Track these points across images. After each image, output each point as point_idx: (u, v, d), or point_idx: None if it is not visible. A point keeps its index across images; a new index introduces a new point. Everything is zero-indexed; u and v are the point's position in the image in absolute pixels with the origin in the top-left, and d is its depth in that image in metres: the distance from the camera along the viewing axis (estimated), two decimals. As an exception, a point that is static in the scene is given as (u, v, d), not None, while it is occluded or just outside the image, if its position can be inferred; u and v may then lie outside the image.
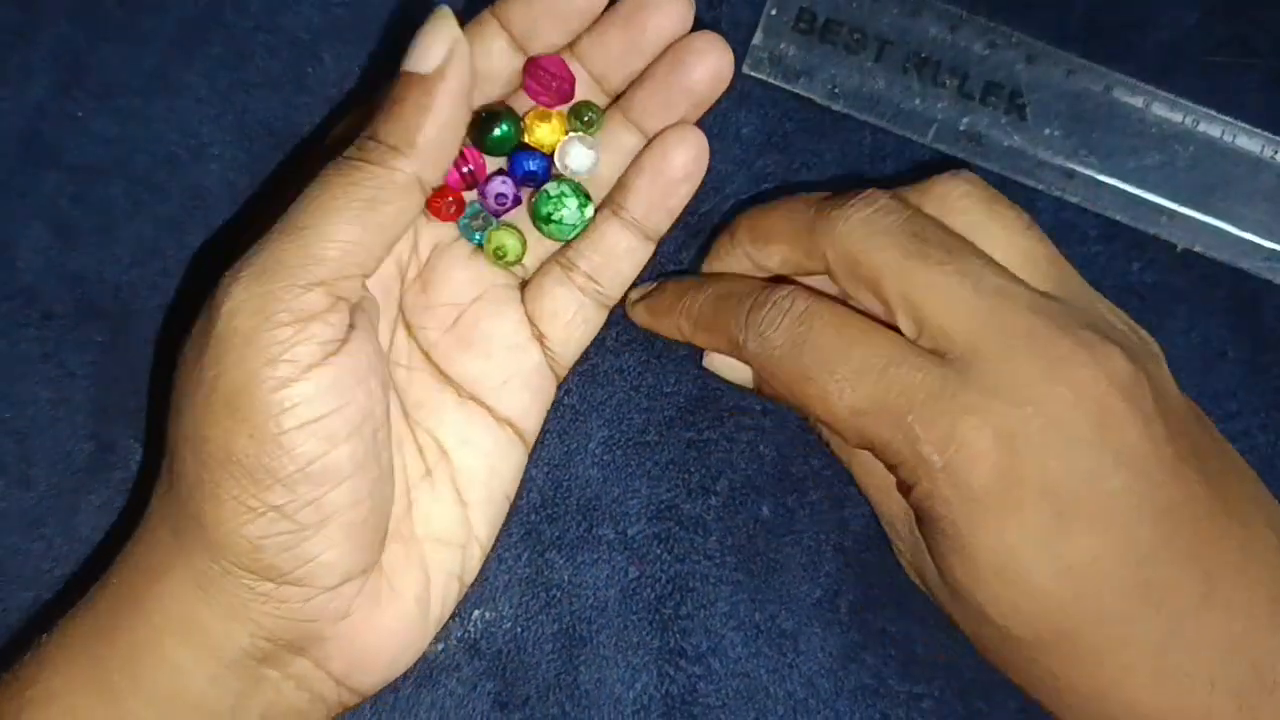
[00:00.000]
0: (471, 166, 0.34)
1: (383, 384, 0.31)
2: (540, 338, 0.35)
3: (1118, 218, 0.38)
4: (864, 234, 0.31)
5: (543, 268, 0.35)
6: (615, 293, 0.35)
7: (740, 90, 0.38)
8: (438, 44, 0.30)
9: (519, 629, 0.36)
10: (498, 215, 0.35)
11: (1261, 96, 0.38)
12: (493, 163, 0.35)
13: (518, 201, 0.35)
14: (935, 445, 0.30)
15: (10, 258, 0.37)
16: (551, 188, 0.34)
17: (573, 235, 0.35)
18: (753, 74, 0.38)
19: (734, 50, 0.38)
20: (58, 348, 0.37)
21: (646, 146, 0.34)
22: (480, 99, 0.34)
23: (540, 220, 0.34)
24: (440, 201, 0.34)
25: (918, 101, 0.38)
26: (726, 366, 0.35)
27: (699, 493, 0.37)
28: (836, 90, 0.38)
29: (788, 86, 0.38)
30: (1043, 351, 0.30)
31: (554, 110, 0.34)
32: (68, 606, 0.36)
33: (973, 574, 0.30)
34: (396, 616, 0.32)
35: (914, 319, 0.31)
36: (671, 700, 0.36)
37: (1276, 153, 0.37)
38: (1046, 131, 0.37)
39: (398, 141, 0.30)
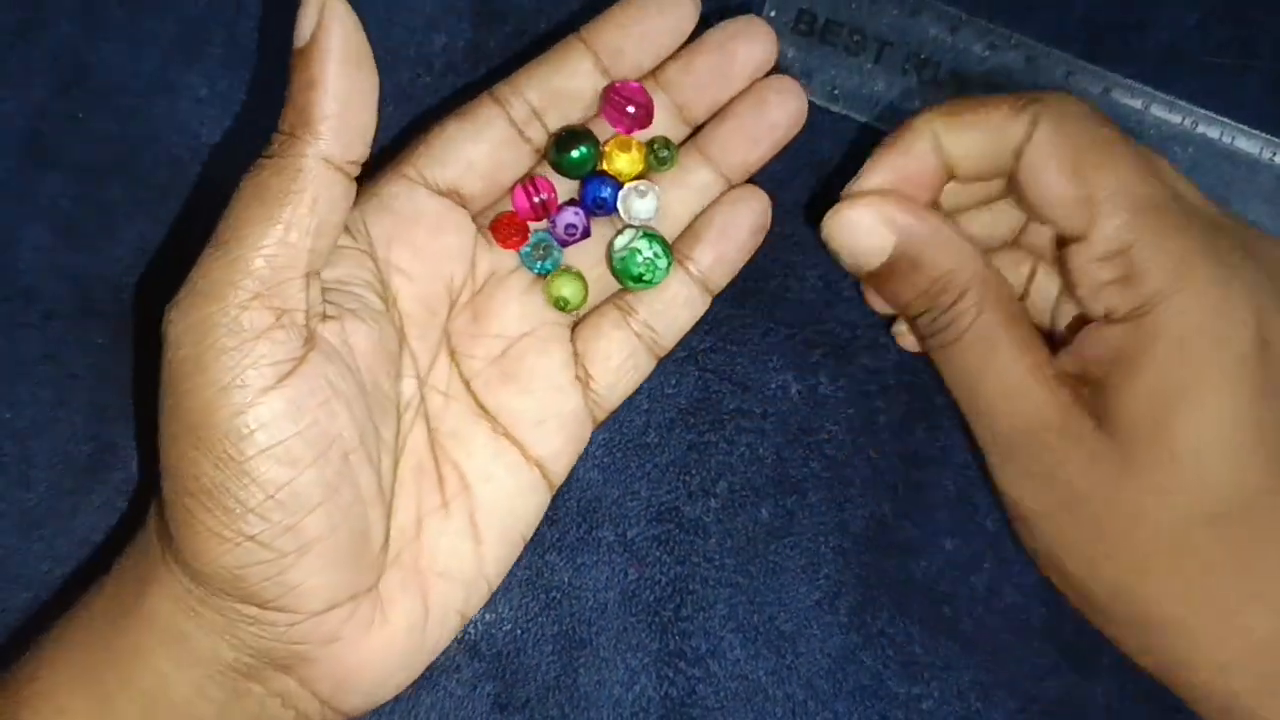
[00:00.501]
0: (544, 196, 0.34)
1: (354, 407, 0.30)
2: (586, 379, 0.34)
3: (1117, 219, 0.38)
4: (1073, 111, 0.31)
5: (599, 307, 0.35)
6: (669, 343, 0.35)
7: (740, 92, 0.38)
8: (307, 13, 0.29)
9: (519, 630, 0.36)
10: (565, 245, 0.34)
11: (1260, 98, 0.38)
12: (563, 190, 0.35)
13: (587, 234, 0.34)
14: (1221, 263, 0.29)
15: (11, 258, 0.37)
16: (644, 246, 0.34)
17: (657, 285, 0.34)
18: (753, 75, 0.38)
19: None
20: (58, 348, 0.37)
21: (716, 203, 0.35)
22: (560, 120, 0.34)
23: (629, 279, 0.34)
24: (505, 228, 0.33)
25: (917, 103, 0.38)
26: (866, 231, 0.31)
27: (699, 495, 0.37)
28: (836, 91, 0.38)
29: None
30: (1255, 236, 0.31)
31: (634, 140, 0.34)
32: (66, 607, 0.36)
33: (1170, 415, 0.29)
34: (386, 644, 0.31)
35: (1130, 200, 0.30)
36: (671, 702, 0.36)
37: (1275, 154, 0.37)
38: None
39: (295, 126, 0.29)
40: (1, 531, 0.36)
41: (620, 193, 0.34)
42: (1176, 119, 0.37)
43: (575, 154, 0.33)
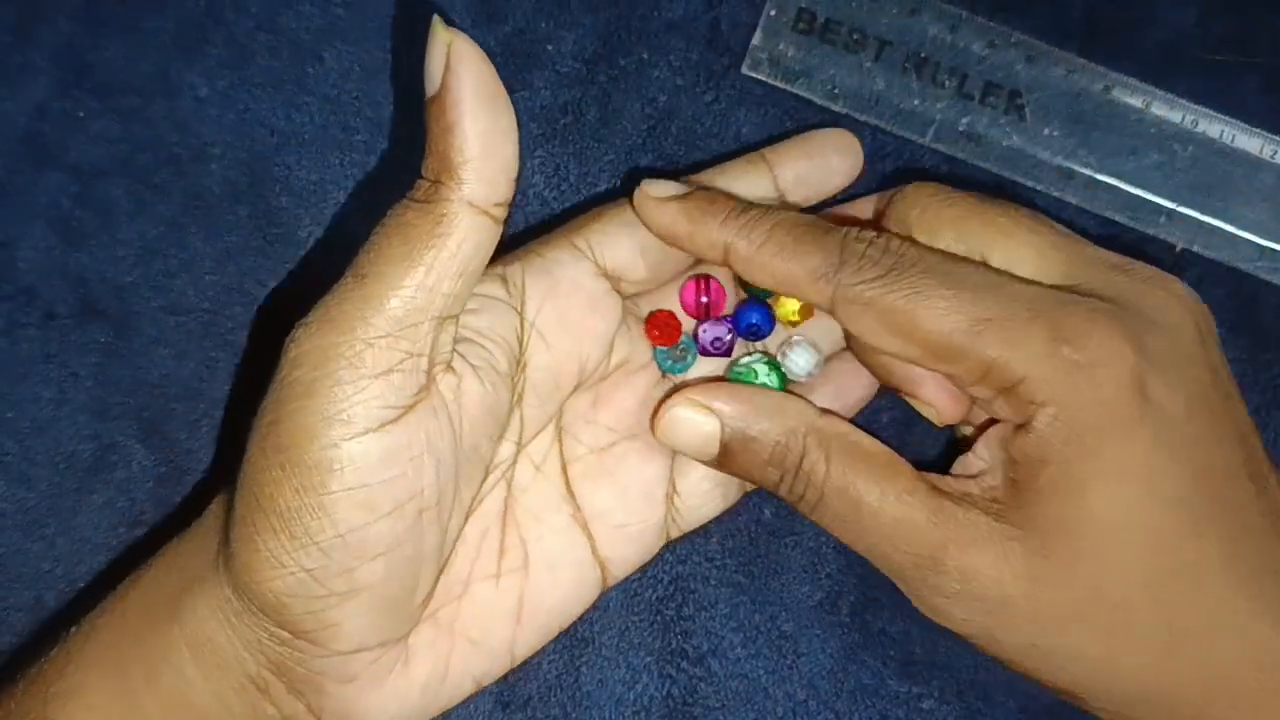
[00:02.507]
0: (708, 298, 0.34)
1: (443, 465, 0.29)
2: (672, 494, 0.34)
3: (1117, 218, 0.38)
4: (914, 208, 0.32)
5: None
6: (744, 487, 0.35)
7: (740, 91, 0.38)
8: (434, 59, 0.28)
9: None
10: (706, 355, 0.34)
11: (1260, 96, 0.38)
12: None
13: (729, 353, 0.34)
14: (1075, 346, 0.28)
15: (12, 258, 0.37)
16: (761, 370, 0.33)
17: None
18: (752, 74, 0.38)
19: (733, 51, 0.38)
20: (59, 348, 0.37)
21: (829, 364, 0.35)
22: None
23: None
24: (661, 325, 0.34)
25: (917, 101, 0.38)
26: (689, 423, 0.32)
27: (699, 493, 0.37)
28: (836, 90, 0.38)
29: (787, 87, 0.38)
30: (1140, 275, 0.30)
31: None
32: (69, 607, 0.36)
33: (1112, 495, 0.29)
34: (399, 694, 0.31)
35: (1004, 263, 0.31)
36: (672, 701, 0.36)
37: (1275, 152, 0.37)
38: (1045, 131, 0.38)
39: (438, 172, 0.28)
40: (3, 530, 0.37)
41: (784, 340, 0.34)
42: (1177, 117, 0.37)
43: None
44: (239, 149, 0.38)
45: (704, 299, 0.34)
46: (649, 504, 0.34)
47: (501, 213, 0.29)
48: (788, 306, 0.34)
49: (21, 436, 0.37)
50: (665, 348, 0.34)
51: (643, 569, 0.34)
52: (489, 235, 0.29)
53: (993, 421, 0.32)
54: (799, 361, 0.34)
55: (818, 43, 0.38)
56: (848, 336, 0.33)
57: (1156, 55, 0.38)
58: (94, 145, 0.38)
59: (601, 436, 0.34)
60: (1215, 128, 0.37)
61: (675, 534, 0.34)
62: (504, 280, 0.32)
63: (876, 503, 0.30)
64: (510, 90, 0.38)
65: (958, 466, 0.32)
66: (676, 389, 0.33)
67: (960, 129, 0.38)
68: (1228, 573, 0.29)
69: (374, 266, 0.28)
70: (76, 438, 0.37)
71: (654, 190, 0.32)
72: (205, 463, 0.37)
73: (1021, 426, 0.30)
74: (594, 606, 0.34)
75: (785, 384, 0.34)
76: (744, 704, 0.36)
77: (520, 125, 0.34)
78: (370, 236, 0.29)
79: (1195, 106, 0.37)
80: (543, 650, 0.33)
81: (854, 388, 0.35)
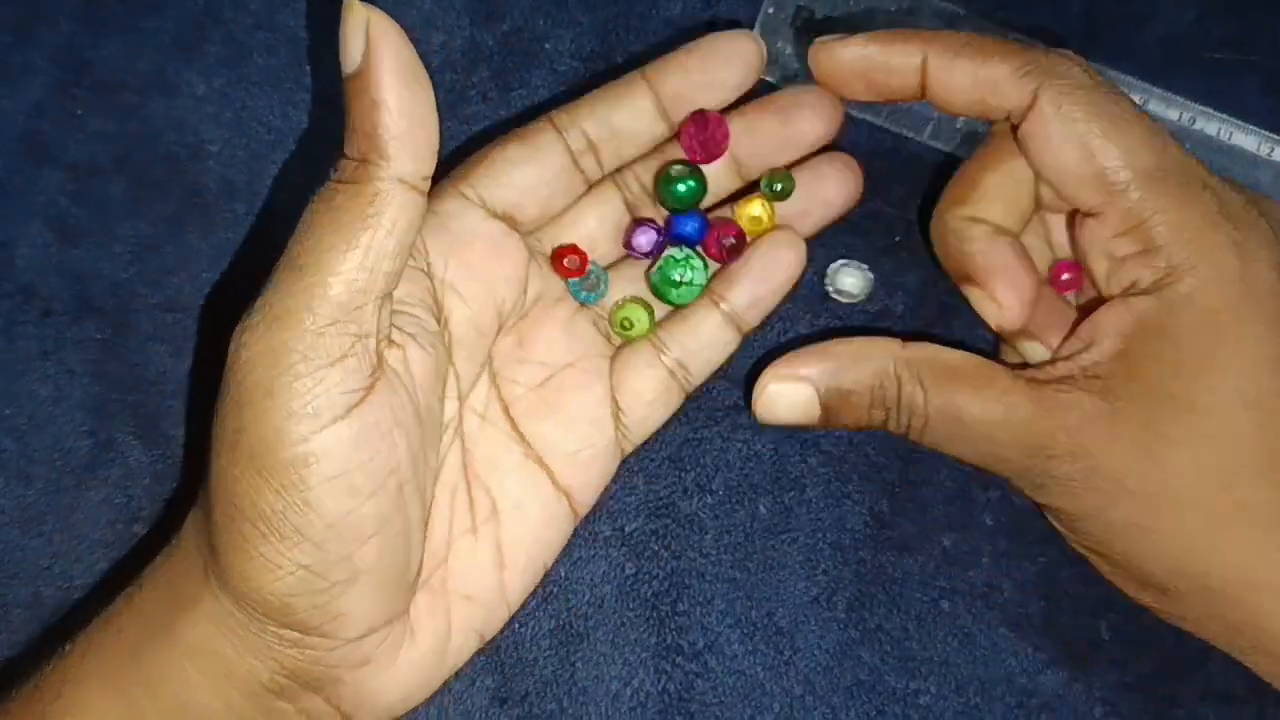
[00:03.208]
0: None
1: (410, 436, 0.30)
2: (618, 413, 0.34)
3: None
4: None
5: (637, 344, 0.35)
6: (699, 380, 0.35)
7: (737, 88, 0.38)
8: (352, 36, 0.28)
9: (517, 624, 0.36)
10: (631, 255, 0.35)
11: (1259, 95, 0.38)
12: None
13: (656, 254, 0.34)
14: (1234, 227, 0.30)
15: (10, 255, 0.37)
16: (677, 252, 0.34)
17: (692, 299, 0.35)
18: (750, 72, 0.38)
19: (731, 48, 0.38)
20: (57, 345, 0.37)
21: (756, 245, 0.34)
22: (616, 160, 0.34)
23: (669, 284, 0.34)
24: (562, 256, 0.34)
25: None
26: (785, 397, 0.33)
27: (695, 490, 0.37)
28: (834, 88, 0.38)
29: (786, 85, 0.38)
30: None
31: (761, 197, 0.34)
32: (67, 603, 0.36)
33: (1199, 380, 0.30)
34: (411, 664, 0.32)
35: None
36: (668, 697, 0.36)
37: (1273, 150, 0.37)
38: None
39: (363, 150, 0.28)
40: (1, 527, 0.37)
41: (831, 266, 0.35)
42: (1174, 115, 0.37)
43: (683, 187, 0.34)
44: (236, 147, 0.38)
45: (727, 240, 0.34)
46: (597, 427, 0.34)
47: (426, 185, 0.29)
48: (748, 211, 0.34)
49: (19, 433, 0.37)
50: (576, 279, 0.34)
51: (607, 492, 0.35)
52: (419, 209, 0.29)
53: (1089, 311, 0.32)
54: (848, 283, 0.35)
55: (816, 40, 0.38)
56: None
57: (1155, 53, 0.38)
58: (92, 143, 0.38)
59: (535, 373, 0.34)
60: (1213, 126, 0.37)
61: (629, 449, 0.35)
62: None
63: (980, 411, 0.31)
64: (508, 88, 0.39)
65: (1056, 354, 0.33)
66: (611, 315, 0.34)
67: (958, 126, 0.38)
68: None
69: (311, 256, 0.28)
70: (74, 434, 0.37)
71: (830, 40, 0.33)
72: (203, 460, 0.37)
73: (1145, 293, 0.30)
74: (573, 537, 0.34)
75: (708, 267, 0.34)
76: (740, 700, 0.36)
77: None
78: (300, 223, 0.28)
79: (1193, 105, 0.37)
80: (534, 601, 0.33)
81: (827, 188, 0.35)
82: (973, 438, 0.32)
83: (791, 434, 0.37)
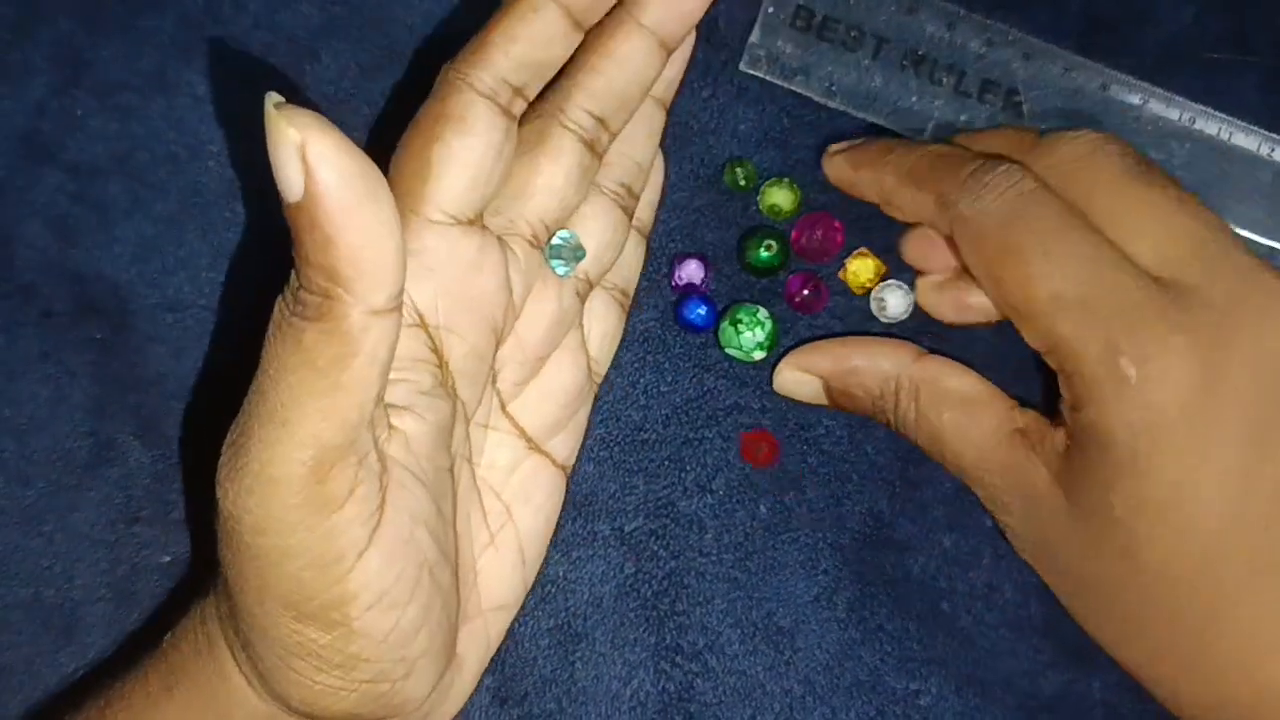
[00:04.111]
0: (810, 291, 0.37)
1: (429, 520, 0.28)
2: (590, 364, 0.34)
3: (1115, 215, 0.38)
4: (1083, 152, 0.32)
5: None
6: (631, 300, 0.36)
7: (737, 87, 0.38)
8: (285, 163, 0.23)
9: (516, 624, 0.36)
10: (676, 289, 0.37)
11: (1259, 94, 0.38)
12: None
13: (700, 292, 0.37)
14: (1133, 358, 0.28)
15: (9, 256, 0.37)
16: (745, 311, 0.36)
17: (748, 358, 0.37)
18: (750, 71, 0.38)
19: (731, 48, 0.38)
20: (57, 346, 0.37)
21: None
22: (536, 78, 0.30)
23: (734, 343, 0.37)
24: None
25: (915, 99, 0.38)
26: (796, 382, 0.36)
27: (695, 490, 0.37)
28: (834, 88, 0.38)
29: (785, 84, 0.38)
30: (1261, 285, 0.30)
31: (869, 251, 0.37)
32: (68, 604, 0.36)
33: (1137, 506, 0.29)
34: (462, 691, 0.32)
35: (1125, 236, 0.30)
36: (668, 697, 0.36)
37: (1274, 150, 0.37)
38: (1043, 128, 0.37)
39: (323, 288, 0.24)
40: (1, 528, 0.37)
41: (876, 287, 0.37)
42: (1174, 115, 0.37)
43: (764, 254, 0.37)
44: (237, 147, 0.38)
45: (806, 291, 0.37)
46: (582, 393, 0.34)
47: (399, 301, 0.25)
48: (854, 270, 0.37)
49: (19, 434, 0.37)
50: (556, 259, 0.32)
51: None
52: (395, 327, 0.25)
53: None
54: (892, 303, 0.36)
55: (815, 40, 0.38)
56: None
57: (1154, 53, 0.38)
58: (92, 143, 0.38)
59: (529, 367, 0.33)
60: (1213, 125, 0.37)
61: (595, 392, 0.35)
62: None
63: (958, 448, 0.33)
64: (508, 88, 0.39)
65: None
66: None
67: (958, 126, 0.38)
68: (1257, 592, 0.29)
69: (292, 410, 0.25)
70: (74, 435, 0.37)
71: (832, 148, 0.36)
72: (203, 461, 0.37)
73: (1070, 407, 0.30)
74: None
75: (774, 337, 0.36)
76: (741, 700, 0.36)
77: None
78: (268, 361, 0.25)
79: (1193, 104, 0.37)
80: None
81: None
82: (948, 462, 0.34)
83: (792, 435, 0.37)
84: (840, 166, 0.35)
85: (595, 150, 0.32)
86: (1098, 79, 0.37)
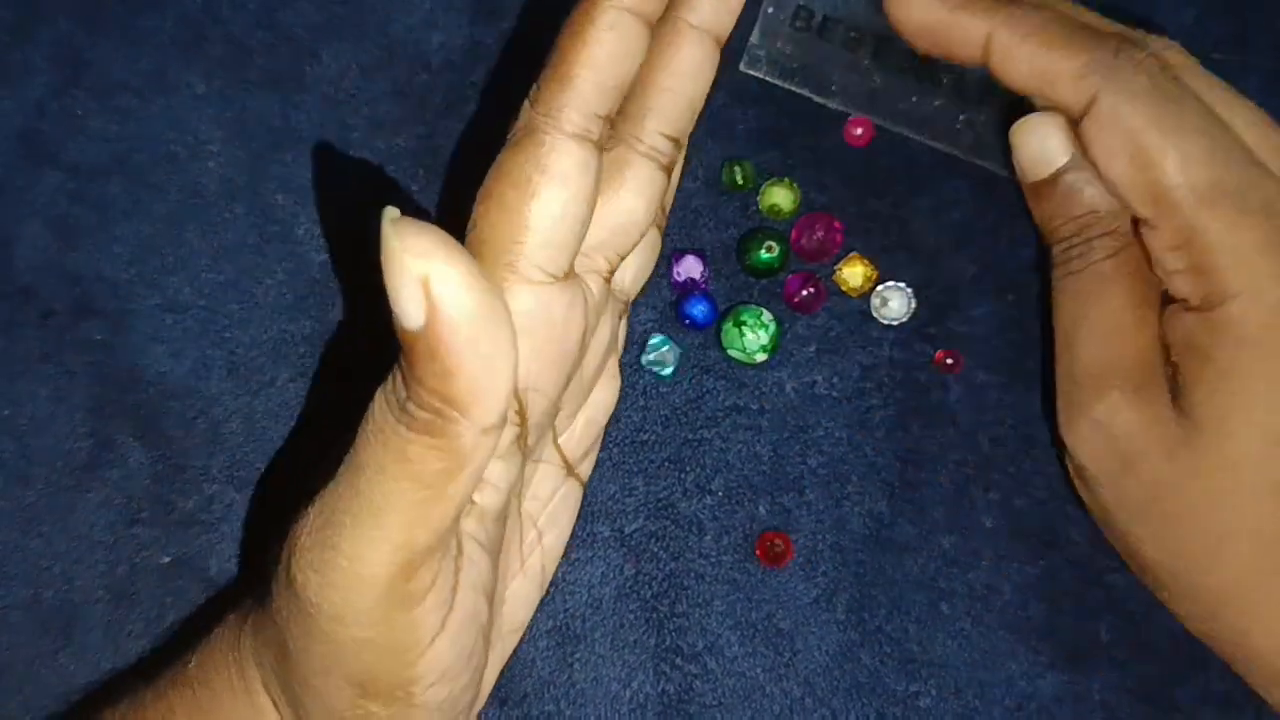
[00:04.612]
0: (811, 290, 0.37)
1: (489, 588, 0.28)
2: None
3: (1115, 216, 0.38)
4: (1190, 60, 0.31)
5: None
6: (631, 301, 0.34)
7: (737, 87, 0.38)
8: (405, 294, 0.22)
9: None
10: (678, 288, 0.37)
11: (1260, 96, 0.38)
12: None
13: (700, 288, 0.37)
14: (1272, 255, 0.29)
15: (9, 256, 0.37)
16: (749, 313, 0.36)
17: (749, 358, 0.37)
18: (750, 72, 0.38)
19: (730, 48, 0.38)
20: (57, 346, 0.37)
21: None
22: (620, 98, 0.28)
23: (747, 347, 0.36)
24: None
25: (914, 99, 0.37)
26: (1032, 146, 0.32)
27: (695, 491, 0.37)
28: (833, 88, 0.38)
29: (785, 84, 0.38)
30: None
31: (860, 257, 0.37)
32: (67, 605, 0.36)
33: (1231, 407, 0.29)
34: (477, 712, 0.31)
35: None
36: (668, 699, 0.36)
37: (1275, 151, 0.37)
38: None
39: (437, 408, 0.23)
40: (1, 528, 0.37)
41: (878, 287, 0.37)
42: (1175, 115, 0.37)
43: (764, 255, 0.36)
44: (236, 147, 0.38)
45: (805, 292, 0.36)
46: (608, 410, 0.33)
47: (506, 420, 0.24)
48: (845, 275, 0.37)
49: (19, 435, 0.37)
50: (649, 356, 0.35)
51: None
52: (499, 438, 0.24)
53: None
54: (893, 303, 0.36)
55: (815, 40, 0.38)
56: (1085, 135, 0.32)
57: (1155, 53, 0.38)
58: (91, 143, 0.38)
59: (582, 399, 0.32)
60: (1214, 126, 0.37)
61: None
62: None
63: (1118, 306, 0.31)
64: (508, 89, 0.39)
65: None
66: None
67: (957, 126, 0.37)
68: None
69: (389, 514, 0.24)
70: (73, 435, 0.37)
71: None
72: (202, 460, 0.37)
73: (1193, 310, 0.30)
74: (571, 538, 0.34)
75: (777, 340, 0.36)
76: (740, 701, 0.36)
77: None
78: (366, 463, 0.24)
79: (1194, 104, 0.37)
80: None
81: None
82: (1089, 318, 0.32)
83: (791, 436, 0.37)
84: (928, 5, 0.31)
85: (669, 171, 0.30)
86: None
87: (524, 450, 0.28)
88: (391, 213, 0.22)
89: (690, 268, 0.37)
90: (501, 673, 0.34)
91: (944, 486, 0.37)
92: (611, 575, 0.37)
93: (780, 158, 0.38)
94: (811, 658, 0.36)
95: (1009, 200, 0.38)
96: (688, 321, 0.37)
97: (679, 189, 0.38)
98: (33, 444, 0.37)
